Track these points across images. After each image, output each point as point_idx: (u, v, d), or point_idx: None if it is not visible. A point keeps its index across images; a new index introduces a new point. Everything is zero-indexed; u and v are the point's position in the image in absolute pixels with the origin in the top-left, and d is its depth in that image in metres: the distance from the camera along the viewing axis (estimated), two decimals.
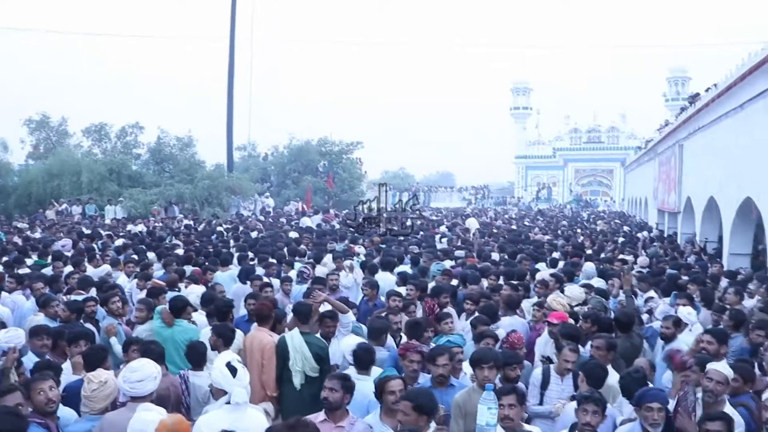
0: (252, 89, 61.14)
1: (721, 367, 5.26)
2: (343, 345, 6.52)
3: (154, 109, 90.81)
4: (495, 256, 14.95)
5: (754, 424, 4.95)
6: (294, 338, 6.70)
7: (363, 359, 6.01)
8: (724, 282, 11.13)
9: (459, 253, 14.76)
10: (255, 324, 7.33)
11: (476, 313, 8.06)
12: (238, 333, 7.09)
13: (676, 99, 57.22)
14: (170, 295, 8.55)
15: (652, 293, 10.12)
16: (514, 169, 79.23)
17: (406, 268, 12.23)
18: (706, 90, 18.28)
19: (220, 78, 39.97)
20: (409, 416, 4.46)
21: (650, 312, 9.36)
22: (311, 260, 12.71)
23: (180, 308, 7.47)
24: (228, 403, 4.74)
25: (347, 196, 46.42)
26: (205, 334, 7.14)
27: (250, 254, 13.58)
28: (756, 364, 6.21)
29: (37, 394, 4.84)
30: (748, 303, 9.43)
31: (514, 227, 27.10)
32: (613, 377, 5.83)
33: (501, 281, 10.48)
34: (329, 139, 49.30)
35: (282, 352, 6.70)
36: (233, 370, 4.82)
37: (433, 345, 6.23)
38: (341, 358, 6.66)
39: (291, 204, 39.55)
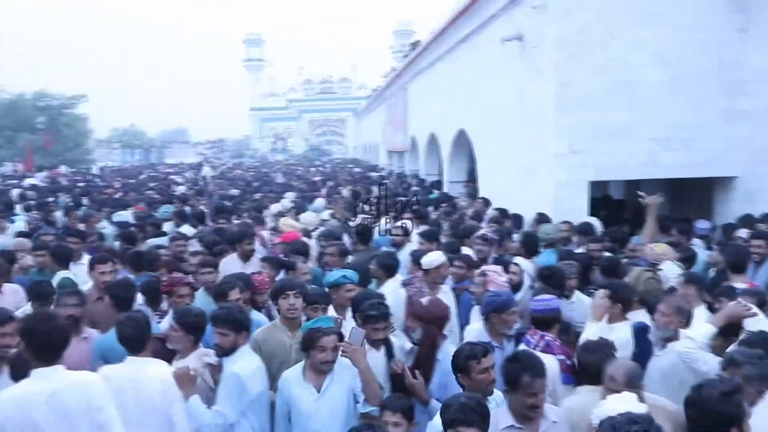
0: None
1: (434, 256, 6.15)
2: None
3: None
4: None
5: (475, 300, 5.81)
6: None
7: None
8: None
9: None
10: None
11: None
12: None
13: (402, 51, 60.99)
14: None
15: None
16: (249, 121, 79.02)
17: None
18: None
19: None
20: (178, 333, 4.34)
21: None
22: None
23: None
24: None
25: (73, 154, 42.83)
26: None
27: None
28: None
29: None
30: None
31: (252, 173, 27.99)
32: None
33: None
34: (47, 92, 44.77)
35: None
36: None
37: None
38: None
39: (5, 165, 35.60)
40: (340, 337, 4.11)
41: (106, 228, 10.61)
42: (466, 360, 3.71)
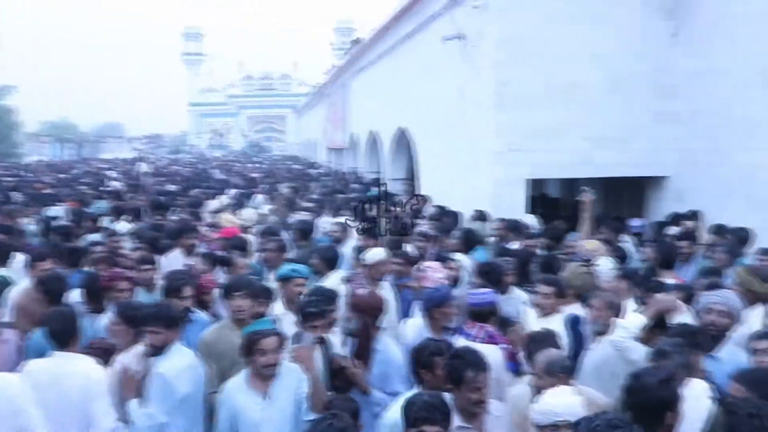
0: None
1: (376, 252, 6.15)
2: None
3: None
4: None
5: (413, 293, 5.88)
6: None
7: None
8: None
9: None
10: None
11: None
12: None
13: (342, 48, 60.78)
14: None
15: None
16: (187, 116, 77.60)
17: None
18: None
19: None
20: (119, 327, 4.31)
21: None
22: None
23: None
24: None
25: (3, 147, 41.31)
26: None
27: None
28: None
29: None
30: None
31: (189, 169, 27.66)
32: None
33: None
34: None
35: None
36: None
37: None
38: None
39: None
40: (282, 339, 3.89)
41: (31, 225, 10.21)
42: (431, 356, 3.68)
